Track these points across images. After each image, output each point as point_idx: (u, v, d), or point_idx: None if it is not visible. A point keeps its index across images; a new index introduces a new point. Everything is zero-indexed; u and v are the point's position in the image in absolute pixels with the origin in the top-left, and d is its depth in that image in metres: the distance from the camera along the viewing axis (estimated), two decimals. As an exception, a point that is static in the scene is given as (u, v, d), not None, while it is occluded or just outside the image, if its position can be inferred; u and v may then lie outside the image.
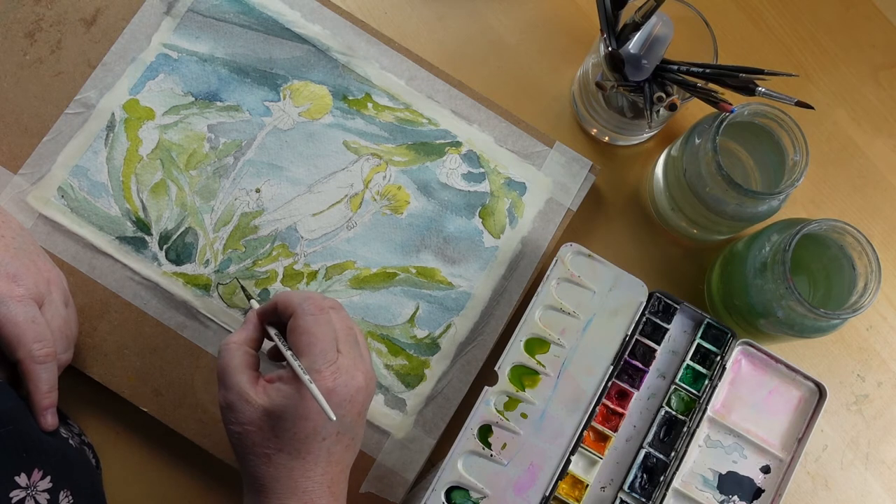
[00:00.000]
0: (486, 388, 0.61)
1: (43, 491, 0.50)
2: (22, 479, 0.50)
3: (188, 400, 0.63)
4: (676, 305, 0.64)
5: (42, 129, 0.65)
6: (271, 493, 0.51)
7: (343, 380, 0.51)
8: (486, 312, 0.66)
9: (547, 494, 0.60)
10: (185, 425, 0.62)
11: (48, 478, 0.51)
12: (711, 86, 0.62)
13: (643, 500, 0.61)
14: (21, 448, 0.50)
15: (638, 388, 0.63)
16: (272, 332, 0.55)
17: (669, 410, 0.63)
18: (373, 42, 0.69)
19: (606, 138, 0.72)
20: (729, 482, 0.62)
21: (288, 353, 0.52)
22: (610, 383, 0.62)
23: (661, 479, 0.61)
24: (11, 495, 0.49)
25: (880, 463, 0.70)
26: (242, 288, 0.63)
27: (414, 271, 0.67)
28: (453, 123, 0.69)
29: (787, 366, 0.64)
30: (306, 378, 0.50)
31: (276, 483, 0.51)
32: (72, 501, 0.52)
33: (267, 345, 0.58)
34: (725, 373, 0.63)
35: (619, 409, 0.63)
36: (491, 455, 0.60)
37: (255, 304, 0.58)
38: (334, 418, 0.49)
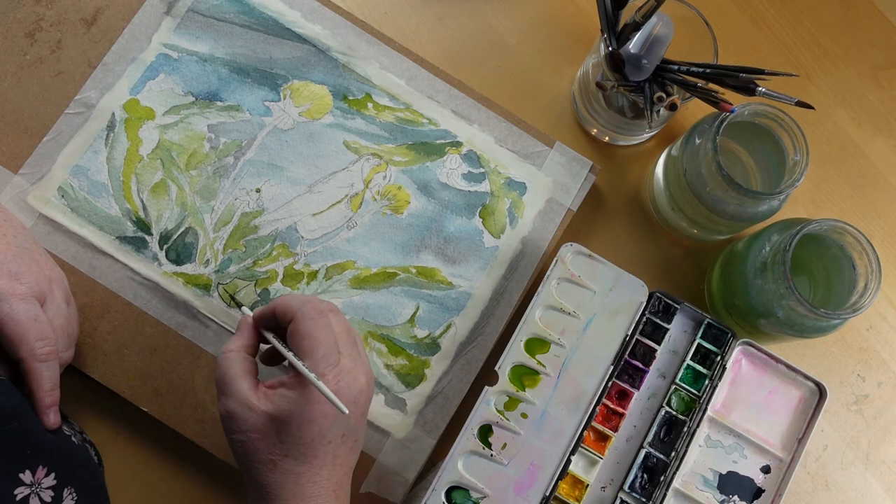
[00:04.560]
0: (486, 388, 0.61)
1: (47, 488, 0.50)
2: (26, 477, 0.50)
3: (188, 400, 0.63)
4: (676, 305, 0.64)
5: (42, 129, 0.65)
6: (277, 499, 0.50)
7: (346, 381, 0.51)
8: (486, 312, 0.66)
9: (547, 494, 0.60)
10: (185, 425, 0.62)
11: (52, 475, 0.51)
12: (711, 86, 0.62)
13: (643, 500, 0.61)
14: (25, 445, 0.50)
15: (638, 388, 0.63)
16: (270, 336, 0.55)
17: (670, 410, 0.63)
18: (373, 42, 0.69)
19: (606, 138, 0.72)
20: (729, 482, 0.62)
21: (291, 356, 0.52)
22: (610, 383, 0.62)
23: (662, 479, 0.61)
24: (16, 492, 0.49)
25: (880, 463, 0.70)
26: (231, 297, 0.62)
27: (414, 271, 0.67)
28: (453, 123, 0.69)
29: (788, 366, 0.64)
30: (312, 376, 0.50)
31: (282, 489, 0.50)
32: (75, 498, 0.52)
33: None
34: (725, 373, 0.63)
35: (620, 409, 0.63)
36: (491, 455, 0.60)
37: (248, 311, 0.57)
38: (347, 412, 0.49)
